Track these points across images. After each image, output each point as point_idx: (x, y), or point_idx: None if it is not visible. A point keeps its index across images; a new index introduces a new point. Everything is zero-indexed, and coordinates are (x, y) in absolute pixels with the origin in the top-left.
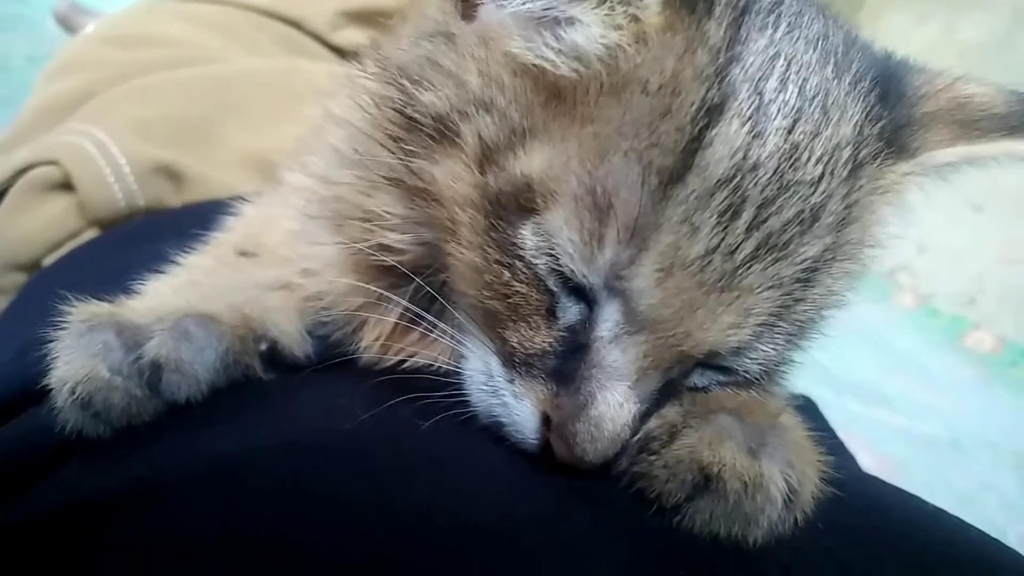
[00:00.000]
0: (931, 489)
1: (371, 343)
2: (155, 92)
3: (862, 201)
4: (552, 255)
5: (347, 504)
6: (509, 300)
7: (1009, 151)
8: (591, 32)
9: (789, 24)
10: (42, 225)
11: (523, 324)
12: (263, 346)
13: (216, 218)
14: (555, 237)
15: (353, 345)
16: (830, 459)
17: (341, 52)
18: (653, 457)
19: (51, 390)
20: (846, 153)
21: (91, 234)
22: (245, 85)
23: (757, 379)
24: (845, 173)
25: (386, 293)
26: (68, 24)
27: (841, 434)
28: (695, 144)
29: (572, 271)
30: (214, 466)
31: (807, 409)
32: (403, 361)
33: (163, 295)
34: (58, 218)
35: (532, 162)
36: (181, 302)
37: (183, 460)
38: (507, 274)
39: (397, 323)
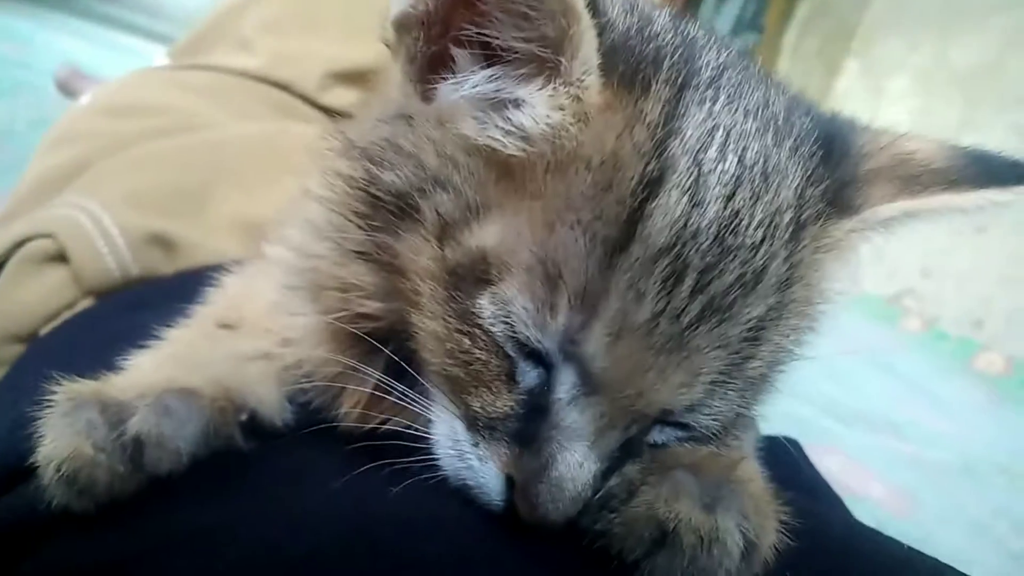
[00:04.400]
0: (945, 517)
1: (349, 410)
2: (147, 162)
3: (806, 260)
4: (508, 323)
5: (318, 572)
6: (471, 367)
7: (948, 204)
8: (536, 112)
9: (728, 96)
10: (39, 297)
11: (485, 389)
12: (243, 416)
13: (203, 287)
14: (510, 305)
15: (332, 412)
16: (791, 508)
17: (331, 112)
18: (612, 515)
19: (38, 467)
20: (787, 216)
21: (86, 303)
22: (236, 150)
23: (715, 434)
24: (787, 235)
25: (360, 364)
26: (69, 89)
27: (849, 466)
28: (637, 215)
29: (527, 337)
30: (195, 537)
31: (785, 455)
32: (379, 427)
33: (145, 370)
34: (55, 289)
35: (486, 236)
36: (162, 377)
37: (166, 531)
38: (467, 342)
39: (373, 392)
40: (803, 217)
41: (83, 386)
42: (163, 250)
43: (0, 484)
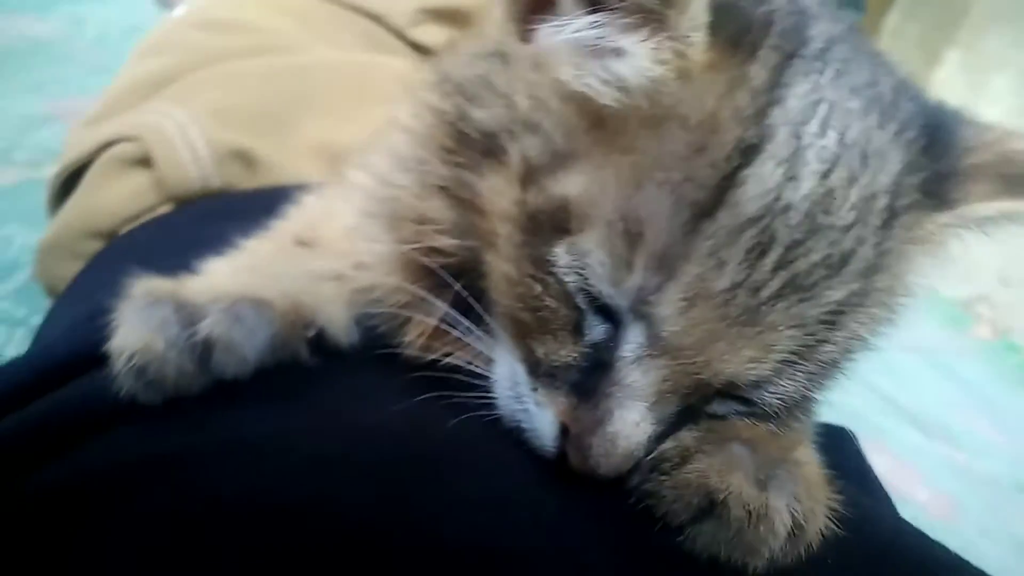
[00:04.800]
0: (989, 532)
1: (413, 340)
2: (236, 79)
3: (895, 249)
4: (582, 275)
5: (364, 490)
6: (539, 313)
7: None
8: (637, 64)
9: (836, 70)
10: (121, 198)
11: (550, 337)
12: (311, 332)
13: (283, 204)
14: (586, 257)
15: (397, 339)
16: (842, 497)
17: (420, 49)
18: (663, 477)
19: (109, 357)
20: (882, 202)
21: (166, 208)
22: (323, 77)
23: (776, 413)
24: (879, 221)
25: (429, 297)
26: (164, 1)
27: (897, 467)
28: (728, 182)
29: (600, 291)
30: (251, 441)
31: (841, 443)
32: (440, 359)
33: (221, 276)
34: (137, 192)
35: (571, 185)
36: (237, 285)
37: (224, 432)
38: (538, 288)
39: (438, 325)
40: (898, 205)
41: (160, 284)
42: (244, 166)
43: (74, 369)
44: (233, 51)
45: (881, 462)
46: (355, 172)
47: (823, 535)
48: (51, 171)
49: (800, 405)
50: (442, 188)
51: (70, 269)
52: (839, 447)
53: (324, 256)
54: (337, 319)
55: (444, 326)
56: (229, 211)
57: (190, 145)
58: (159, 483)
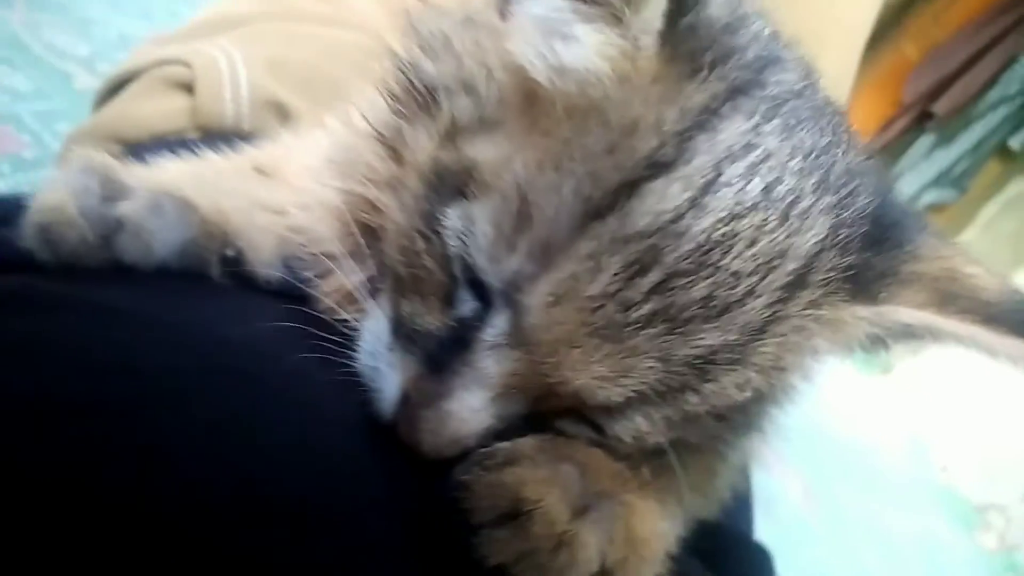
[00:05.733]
0: None
1: (327, 294)
2: (300, 39)
3: (794, 321)
4: (465, 242)
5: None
6: (415, 270)
7: (975, 338)
8: (582, 53)
9: (785, 124)
10: (156, 114)
11: (419, 299)
12: (229, 251)
13: None
14: (474, 226)
15: (313, 289)
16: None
17: None
18: (482, 473)
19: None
20: (791, 266)
21: (193, 136)
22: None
23: (629, 455)
24: (781, 284)
25: (350, 256)
26: None
27: None
28: (628, 189)
29: (476, 264)
30: (99, 308)
31: (752, 559)
32: (344, 321)
33: (165, 171)
34: (172, 113)
35: (484, 150)
36: (173, 182)
37: (88, 298)
38: (422, 244)
39: (353, 289)
40: (810, 277)
41: (101, 158)
42: (280, 119)
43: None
44: (311, 15)
45: None
46: (331, 119)
47: None
48: None
49: (659, 457)
50: (380, 135)
51: None
52: (751, 562)
53: (275, 188)
54: (261, 248)
55: (357, 293)
56: None
57: (235, 83)
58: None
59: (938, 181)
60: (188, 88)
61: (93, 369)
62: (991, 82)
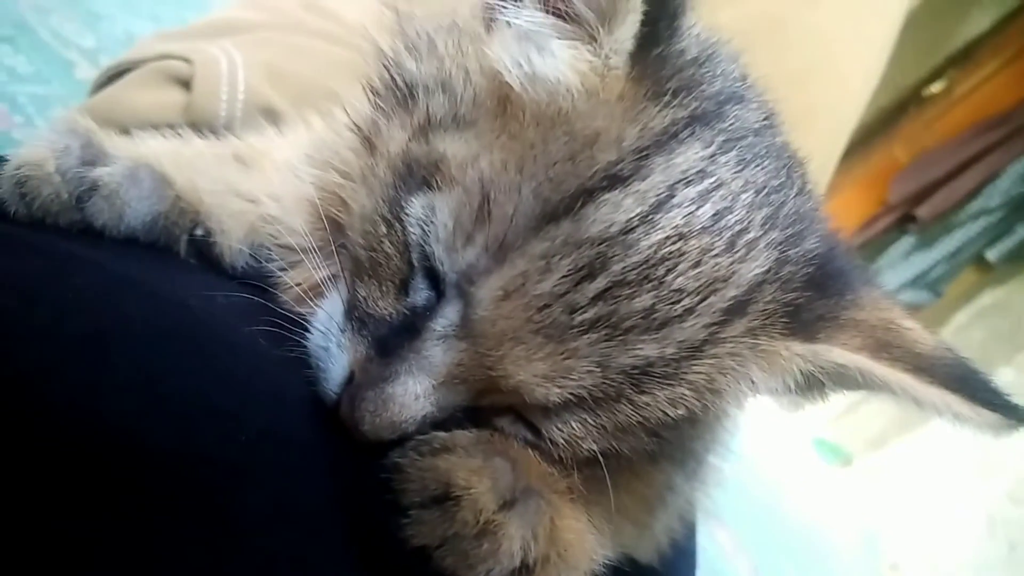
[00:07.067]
0: None
1: (293, 285)
2: (303, 53)
3: (730, 347)
4: (425, 231)
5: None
6: (375, 254)
7: (903, 385)
8: (554, 64)
9: (741, 158)
10: (151, 106)
11: (376, 284)
12: (198, 231)
13: None
14: (435, 216)
15: (279, 280)
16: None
17: None
18: (416, 457)
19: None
20: (731, 292)
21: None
22: None
23: (562, 459)
24: (721, 307)
25: (318, 251)
26: None
27: None
28: (585, 196)
29: (433, 253)
30: (68, 255)
31: None
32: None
33: (146, 145)
34: (166, 106)
35: (453, 146)
36: (154, 156)
37: (53, 250)
38: (383, 228)
39: (319, 284)
40: (749, 306)
41: (85, 122)
42: (271, 124)
43: None
44: (315, 31)
45: None
46: (315, 117)
47: None
48: None
49: (591, 468)
50: (358, 127)
51: None
52: None
53: (251, 177)
54: (230, 233)
55: (323, 286)
56: None
57: (232, 85)
58: None
59: (915, 283)
60: (185, 84)
61: (54, 304)
62: (974, 193)
